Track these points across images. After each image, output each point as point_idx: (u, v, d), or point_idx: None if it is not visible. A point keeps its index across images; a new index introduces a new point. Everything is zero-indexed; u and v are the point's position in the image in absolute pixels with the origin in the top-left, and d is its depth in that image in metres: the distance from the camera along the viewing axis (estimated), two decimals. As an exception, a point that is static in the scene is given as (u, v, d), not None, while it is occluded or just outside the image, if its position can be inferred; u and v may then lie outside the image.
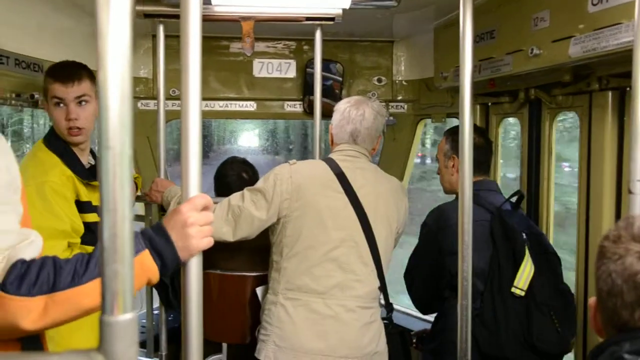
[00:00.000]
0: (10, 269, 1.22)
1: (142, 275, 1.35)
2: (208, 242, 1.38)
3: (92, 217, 2.38)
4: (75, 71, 2.39)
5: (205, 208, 1.37)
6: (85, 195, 2.41)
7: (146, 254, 1.35)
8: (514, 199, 2.71)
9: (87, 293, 1.26)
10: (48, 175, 2.29)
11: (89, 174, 2.45)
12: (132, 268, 0.68)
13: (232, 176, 3.25)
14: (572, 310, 2.51)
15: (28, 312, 1.22)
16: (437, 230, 2.68)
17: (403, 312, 4.20)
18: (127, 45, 0.68)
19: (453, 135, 2.86)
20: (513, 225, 2.53)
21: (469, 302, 1.94)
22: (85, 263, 1.29)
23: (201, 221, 1.37)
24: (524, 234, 2.53)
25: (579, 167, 2.62)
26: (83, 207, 2.38)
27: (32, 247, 1.28)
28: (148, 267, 1.35)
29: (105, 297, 0.67)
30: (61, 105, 2.39)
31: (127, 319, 0.68)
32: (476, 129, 2.82)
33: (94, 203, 2.42)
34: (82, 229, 2.33)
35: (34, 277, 1.23)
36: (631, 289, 1.18)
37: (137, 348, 0.70)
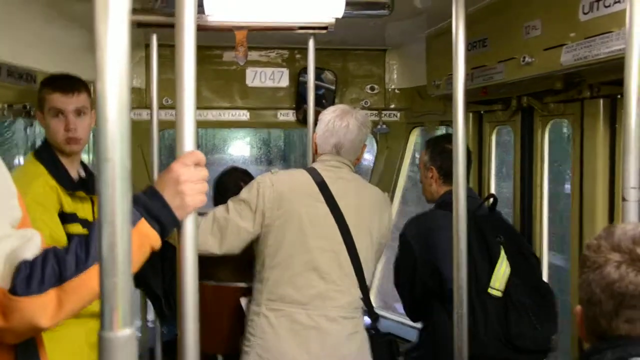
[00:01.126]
0: (16, 272, 1.21)
1: (144, 244, 1.34)
2: (202, 200, 1.37)
3: (76, 228, 2.36)
4: (75, 82, 2.41)
5: (197, 164, 1.35)
6: (69, 206, 2.39)
7: (143, 223, 1.33)
8: (488, 203, 2.74)
9: (95, 275, 1.24)
10: (30, 186, 2.28)
11: (76, 185, 2.44)
12: (130, 281, 0.68)
13: (230, 184, 3.23)
14: (550, 308, 2.54)
15: (44, 308, 1.22)
16: (412, 241, 2.70)
17: (396, 321, 4.20)
18: (125, 57, 0.68)
19: (432, 146, 2.90)
20: (486, 228, 2.56)
21: (464, 310, 1.95)
22: (86, 246, 1.28)
23: (194, 178, 1.34)
24: (500, 236, 2.55)
25: (572, 175, 2.64)
26: (66, 218, 2.36)
27: (32, 246, 1.27)
28: (148, 235, 1.33)
29: (104, 312, 0.66)
30: (60, 115, 2.40)
31: (126, 334, 0.67)
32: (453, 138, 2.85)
33: (80, 214, 2.41)
34: (64, 240, 2.31)
35: (39, 273, 1.22)
36: (609, 298, 1.20)
37: None
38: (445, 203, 2.64)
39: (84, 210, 2.44)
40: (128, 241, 0.67)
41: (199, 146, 1.35)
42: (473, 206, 2.67)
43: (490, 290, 2.48)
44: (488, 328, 2.46)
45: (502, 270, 2.49)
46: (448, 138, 2.79)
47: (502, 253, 2.52)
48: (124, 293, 0.67)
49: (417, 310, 2.84)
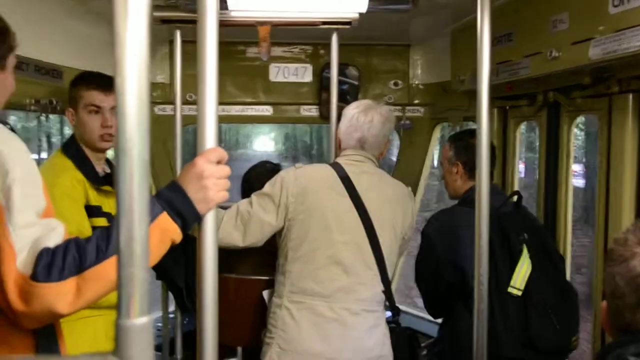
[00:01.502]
0: (38, 259, 1.25)
1: (165, 237, 1.36)
2: (224, 195, 1.39)
3: (100, 222, 2.41)
4: (111, 81, 2.43)
5: (219, 161, 1.37)
6: (95, 200, 2.44)
7: (164, 216, 1.35)
8: (513, 200, 2.70)
9: (114, 265, 1.27)
10: (59, 179, 2.34)
11: (102, 180, 2.49)
12: (147, 271, 0.69)
13: (260, 177, 3.24)
14: (572, 308, 2.50)
15: (63, 296, 1.25)
16: (435, 238, 2.68)
17: (415, 315, 4.19)
18: (144, 50, 0.68)
19: (457, 141, 2.87)
20: (509, 225, 2.52)
21: (484, 306, 1.93)
22: (107, 237, 1.31)
23: (217, 174, 1.37)
24: (524, 234, 2.52)
25: (599, 170, 2.59)
26: (92, 211, 2.41)
27: (56, 235, 1.31)
28: (169, 228, 1.36)
29: (121, 301, 0.67)
30: (97, 112, 2.45)
31: (142, 322, 0.68)
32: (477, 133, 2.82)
33: (104, 208, 2.46)
34: (89, 232, 2.36)
35: (60, 261, 1.25)
36: (633, 291, 1.21)
37: (153, 351, 0.70)
38: (469, 199, 2.61)
39: (109, 204, 2.49)
40: (146, 233, 0.68)
41: (221, 141, 1.36)
42: (497, 203, 2.65)
43: (510, 290, 2.45)
44: (508, 328, 2.43)
45: (523, 269, 2.46)
46: (471, 133, 2.76)
47: (525, 252, 2.48)
48: (140, 282, 0.68)
49: (437, 306, 2.82)
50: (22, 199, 1.28)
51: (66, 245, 1.29)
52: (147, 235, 0.68)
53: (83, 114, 2.47)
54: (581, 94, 2.65)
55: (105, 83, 2.45)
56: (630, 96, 2.38)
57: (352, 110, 2.70)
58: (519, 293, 2.43)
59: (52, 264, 1.25)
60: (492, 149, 2.82)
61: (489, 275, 2.48)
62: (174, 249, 1.43)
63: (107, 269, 1.28)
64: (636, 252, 1.21)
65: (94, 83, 2.45)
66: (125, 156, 0.67)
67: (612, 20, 2.06)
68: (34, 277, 1.24)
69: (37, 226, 1.30)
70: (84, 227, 2.34)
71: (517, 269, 2.46)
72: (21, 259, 1.25)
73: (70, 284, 1.26)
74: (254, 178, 3.28)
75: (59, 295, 1.25)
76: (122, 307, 0.67)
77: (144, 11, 0.67)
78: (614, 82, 2.41)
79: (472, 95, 2.98)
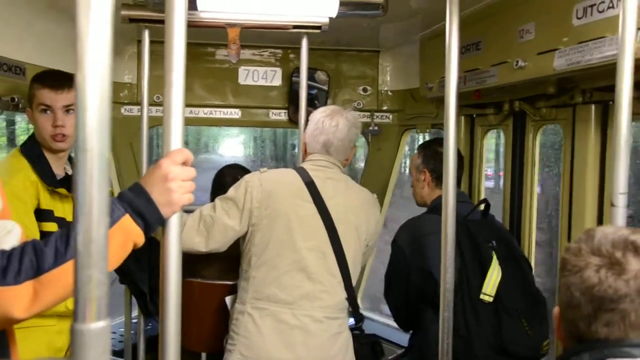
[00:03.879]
0: None
1: (127, 241, 1.32)
2: (189, 198, 1.36)
3: (50, 227, 2.33)
4: (65, 79, 2.40)
5: (185, 163, 1.34)
6: (47, 203, 2.36)
7: (127, 219, 1.31)
8: (481, 208, 2.74)
9: (73, 269, 1.23)
10: (12, 179, 2.26)
11: (57, 183, 2.42)
12: (106, 274, 0.66)
13: (228, 178, 3.21)
14: (542, 313, 2.53)
15: (19, 300, 1.21)
16: (404, 247, 2.69)
17: (382, 323, 4.19)
18: (106, 47, 0.66)
19: (425, 149, 2.90)
20: (478, 233, 2.55)
21: (450, 313, 1.94)
22: (66, 240, 1.27)
23: (182, 175, 1.34)
24: (493, 241, 2.55)
25: (562, 179, 2.64)
26: (42, 215, 2.34)
27: (12, 237, 1.27)
28: (131, 231, 1.32)
29: (78, 304, 0.65)
30: (48, 112, 2.39)
31: (100, 326, 0.65)
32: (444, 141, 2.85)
33: (57, 213, 2.38)
34: (37, 237, 2.28)
35: (16, 264, 1.21)
36: (588, 302, 1.21)
37: (110, 357, 0.68)
38: (438, 207, 2.63)
39: (63, 209, 2.40)
40: (105, 233, 0.66)
41: (186, 144, 1.34)
42: (465, 211, 2.67)
43: (482, 296, 2.47)
44: (480, 334, 2.45)
45: (494, 276, 2.48)
46: (439, 141, 2.78)
47: (494, 258, 2.51)
48: (98, 285, 0.65)
49: (407, 317, 2.82)
50: None
51: (22, 248, 1.24)
52: (106, 237, 0.66)
53: (36, 114, 2.41)
54: (546, 104, 2.70)
55: (58, 82, 2.38)
56: (593, 107, 2.43)
57: (319, 114, 2.69)
58: (491, 299, 2.46)
59: (8, 267, 1.20)
60: (460, 157, 2.85)
61: (460, 282, 2.50)
62: (137, 252, 1.39)
63: (65, 272, 1.23)
64: (590, 262, 1.21)
65: (45, 81, 2.39)
66: (85, 155, 0.65)
67: (576, 32, 2.10)
68: None
69: None
70: (30, 232, 2.25)
71: (487, 276, 2.48)
72: None
73: (26, 287, 1.21)
74: (224, 179, 3.25)
75: (15, 299, 1.20)
76: (78, 310, 0.65)
77: (107, 7, 0.65)
78: (577, 93, 2.46)
79: (440, 102, 3.01)
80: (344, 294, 2.57)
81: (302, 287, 2.49)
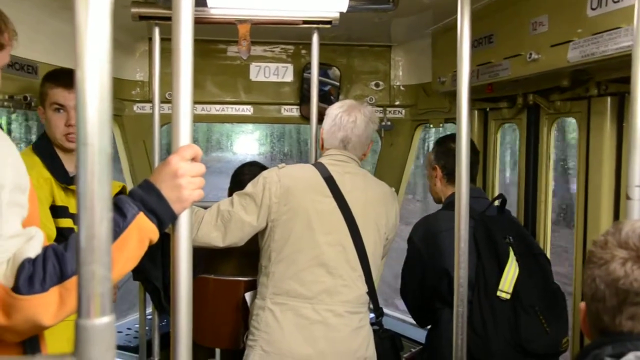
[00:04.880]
0: (19, 271, 1.20)
1: (143, 238, 1.33)
2: (199, 194, 1.36)
3: (66, 223, 2.35)
4: None
5: (194, 159, 1.34)
6: (62, 200, 2.38)
7: (141, 217, 1.32)
8: (497, 204, 2.71)
9: None
10: None
11: (70, 180, 2.43)
12: (109, 269, 0.66)
13: (246, 176, 3.22)
14: (561, 310, 2.50)
15: (47, 307, 1.21)
16: (421, 244, 2.67)
17: (397, 318, 4.18)
18: (106, 42, 0.66)
19: (438, 145, 2.88)
20: (495, 229, 2.52)
21: (464, 309, 1.92)
22: None
23: (192, 172, 1.34)
24: (510, 237, 2.52)
25: (577, 173, 2.61)
26: (57, 212, 2.35)
27: (36, 244, 1.26)
28: (146, 228, 1.33)
29: (81, 300, 0.65)
30: (61, 111, 2.41)
31: (103, 322, 0.65)
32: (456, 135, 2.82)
33: (72, 209, 2.40)
34: (54, 234, 2.30)
35: (41, 271, 1.21)
36: (613, 295, 1.20)
37: (114, 353, 0.68)
38: (452, 203, 2.61)
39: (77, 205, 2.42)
40: (107, 228, 0.66)
41: (195, 140, 1.34)
42: (481, 207, 2.64)
43: (499, 293, 2.44)
44: (498, 332, 2.42)
45: (511, 273, 2.45)
46: (454, 138, 2.76)
47: (511, 254, 2.48)
48: (102, 281, 0.65)
49: (424, 314, 2.81)
50: (9, 208, 1.24)
51: (44, 254, 1.24)
52: (109, 232, 0.66)
53: (49, 112, 2.42)
54: (560, 97, 2.67)
55: (70, 80, 2.39)
56: (609, 99, 2.40)
57: (336, 110, 2.68)
58: (508, 297, 2.43)
59: (34, 274, 1.20)
60: (476, 152, 2.82)
61: (476, 279, 2.48)
62: (150, 248, 1.40)
63: None
64: (616, 255, 1.21)
65: (58, 80, 2.40)
66: (86, 150, 0.65)
67: (590, 23, 2.07)
68: (16, 289, 1.19)
69: (21, 237, 1.25)
70: (48, 228, 2.27)
71: (505, 273, 2.45)
72: (2, 271, 1.20)
73: (52, 294, 1.21)
74: (243, 176, 3.25)
75: (43, 306, 1.20)
76: (82, 306, 0.64)
77: (106, 1, 0.65)
78: (592, 85, 2.42)
79: (453, 96, 2.98)
80: (364, 288, 2.56)
81: (323, 282, 2.48)
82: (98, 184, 0.65)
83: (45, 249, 1.26)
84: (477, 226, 2.56)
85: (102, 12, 0.65)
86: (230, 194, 3.14)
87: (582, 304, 1.32)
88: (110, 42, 0.66)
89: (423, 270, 2.65)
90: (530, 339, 2.40)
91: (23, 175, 1.32)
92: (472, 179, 2.80)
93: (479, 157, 2.89)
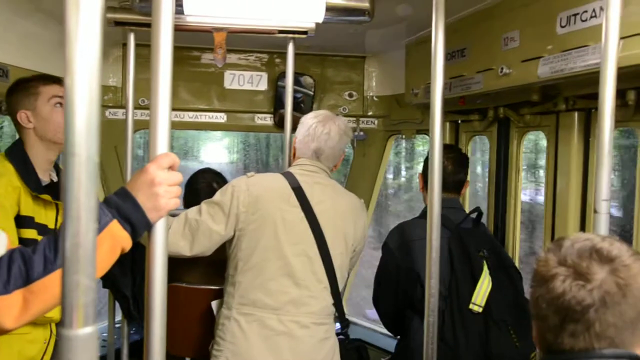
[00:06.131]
0: None
1: (115, 246, 1.32)
2: (175, 203, 1.36)
3: (29, 234, 2.27)
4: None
5: (171, 167, 1.34)
6: (28, 209, 2.30)
7: (115, 224, 1.30)
8: (474, 217, 2.74)
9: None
10: None
11: (42, 189, 2.36)
12: (94, 280, 0.66)
13: (202, 184, 3.20)
14: (528, 325, 2.53)
15: (9, 309, 1.19)
16: (396, 250, 2.69)
17: (367, 328, 4.19)
18: (95, 50, 0.66)
19: (428, 155, 2.89)
20: (470, 242, 2.55)
21: (435, 318, 1.95)
22: (54, 248, 1.25)
23: (169, 180, 1.33)
24: (484, 251, 2.55)
25: (545, 186, 2.67)
26: (22, 221, 2.28)
27: (0, 246, 1.24)
28: (119, 236, 1.31)
29: (65, 310, 0.64)
30: (62, 105, 2.33)
31: (87, 332, 0.65)
32: (448, 147, 2.86)
33: (39, 219, 2.32)
34: (16, 244, 2.24)
35: (5, 273, 1.19)
36: (554, 313, 1.20)
37: None
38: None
39: (46, 215, 2.35)
40: (93, 238, 0.66)
41: (172, 148, 1.33)
42: (457, 218, 2.68)
43: (471, 306, 2.46)
44: (469, 344, 2.44)
45: (484, 286, 2.47)
46: (445, 148, 2.78)
47: (485, 268, 2.50)
48: (86, 291, 0.65)
49: (397, 322, 2.82)
50: None
51: (10, 256, 1.22)
52: (94, 243, 0.66)
53: (46, 110, 2.34)
54: (530, 111, 2.73)
55: (59, 79, 2.36)
56: (576, 114, 2.46)
57: (311, 120, 2.67)
58: (480, 310, 2.45)
59: None
60: (465, 164, 2.85)
61: (449, 290, 2.51)
62: (121, 257, 1.38)
63: (55, 281, 1.21)
64: (557, 273, 1.20)
65: (49, 79, 2.36)
66: (74, 159, 0.65)
67: (560, 40, 2.13)
68: None
69: None
70: (10, 238, 2.22)
71: (478, 286, 2.47)
72: None
73: (16, 297, 1.19)
74: (196, 181, 3.23)
75: (5, 308, 1.18)
76: (65, 316, 0.64)
77: (96, 10, 0.65)
78: (561, 100, 2.49)
79: (426, 108, 3.03)
80: (330, 300, 2.56)
81: (289, 292, 2.48)
82: (85, 193, 0.65)
83: (12, 252, 1.24)
84: (452, 237, 2.59)
85: (92, 20, 0.65)
86: (185, 203, 3.12)
87: (534, 322, 1.33)
88: (101, 51, 0.66)
89: (397, 275, 2.66)
90: (500, 353, 2.43)
91: None
92: (457, 190, 2.83)
93: (462, 169, 2.91)
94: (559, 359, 1.21)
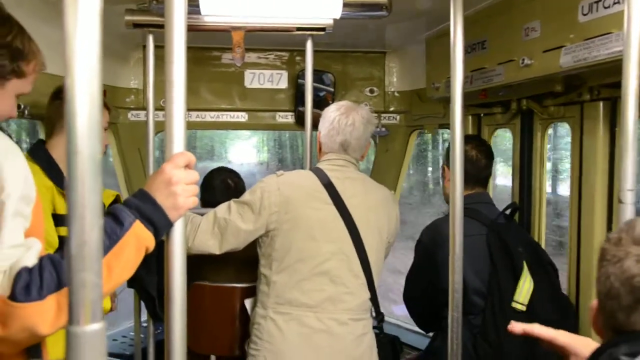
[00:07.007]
0: (16, 279, 1.20)
1: (140, 246, 1.34)
2: (194, 201, 1.38)
3: (66, 231, 2.32)
4: None
5: (187, 166, 1.35)
6: (62, 208, 2.36)
7: (138, 225, 1.33)
8: (508, 212, 2.70)
9: None
10: None
11: None
12: (100, 277, 0.66)
13: (217, 181, 3.22)
14: (573, 324, 2.48)
15: (44, 315, 1.21)
16: (432, 247, 2.66)
17: (394, 324, 4.18)
18: (95, 49, 0.66)
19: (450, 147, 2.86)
20: (508, 239, 2.51)
21: (459, 314, 1.92)
22: None
23: (186, 179, 1.35)
24: (521, 248, 2.51)
25: (571, 177, 2.62)
26: (59, 220, 2.33)
27: (33, 254, 1.26)
28: (143, 237, 1.34)
29: (72, 307, 0.65)
30: None
31: (94, 329, 0.65)
32: (475, 141, 2.82)
33: None
34: (56, 243, 2.28)
35: (38, 280, 1.21)
36: (628, 292, 1.18)
37: (105, 359, 0.68)
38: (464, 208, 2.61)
39: None
40: (98, 235, 0.66)
41: (192, 148, 1.34)
42: (491, 213, 2.64)
43: (514, 304, 2.42)
44: (512, 343, 2.39)
45: (527, 284, 2.42)
46: (467, 139, 2.74)
47: (526, 267, 2.46)
48: (92, 288, 0.65)
49: (430, 319, 2.79)
50: (14, 218, 1.25)
51: (41, 263, 1.24)
52: (100, 239, 0.66)
53: None
54: (553, 102, 2.68)
55: None
56: (601, 104, 2.41)
57: (333, 112, 2.64)
58: (524, 308, 2.40)
59: (31, 282, 1.20)
60: (490, 157, 2.81)
61: (491, 289, 2.47)
62: (146, 257, 1.40)
63: None
64: (630, 252, 1.18)
65: None
66: (76, 158, 0.65)
67: (582, 29, 2.08)
68: (13, 297, 1.18)
69: (21, 247, 1.25)
70: (50, 237, 2.25)
71: (520, 283, 2.42)
72: None
73: (50, 302, 1.21)
74: (212, 178, 3.25)
75: (40, 314, 1.19)
76: (72, 313, 0.64)
77: (95, 9, 0.65)
78: (585, 90, 2.43)
79: (448, 102, 2.99)
80: (367, 295, 2.55)
81: (325, 290, 2.46)
82: (88, 191, 0.65)
83: (42, 258, 1.26)
84: (490, 235, 2.55)
85: (91, 20, 0.65)
86: (202, 202, 3.14)
87: (594, 303, 1.31)
88: (101, 50, 0.66)
89: (435, 272, 2.63)
90: (545, 353, 2.38)
91: (31, 187, 1.33)
92: (484, 183, 2.80)
93: (491, 162, 2.86)
94: (631, 338, 1.19)
